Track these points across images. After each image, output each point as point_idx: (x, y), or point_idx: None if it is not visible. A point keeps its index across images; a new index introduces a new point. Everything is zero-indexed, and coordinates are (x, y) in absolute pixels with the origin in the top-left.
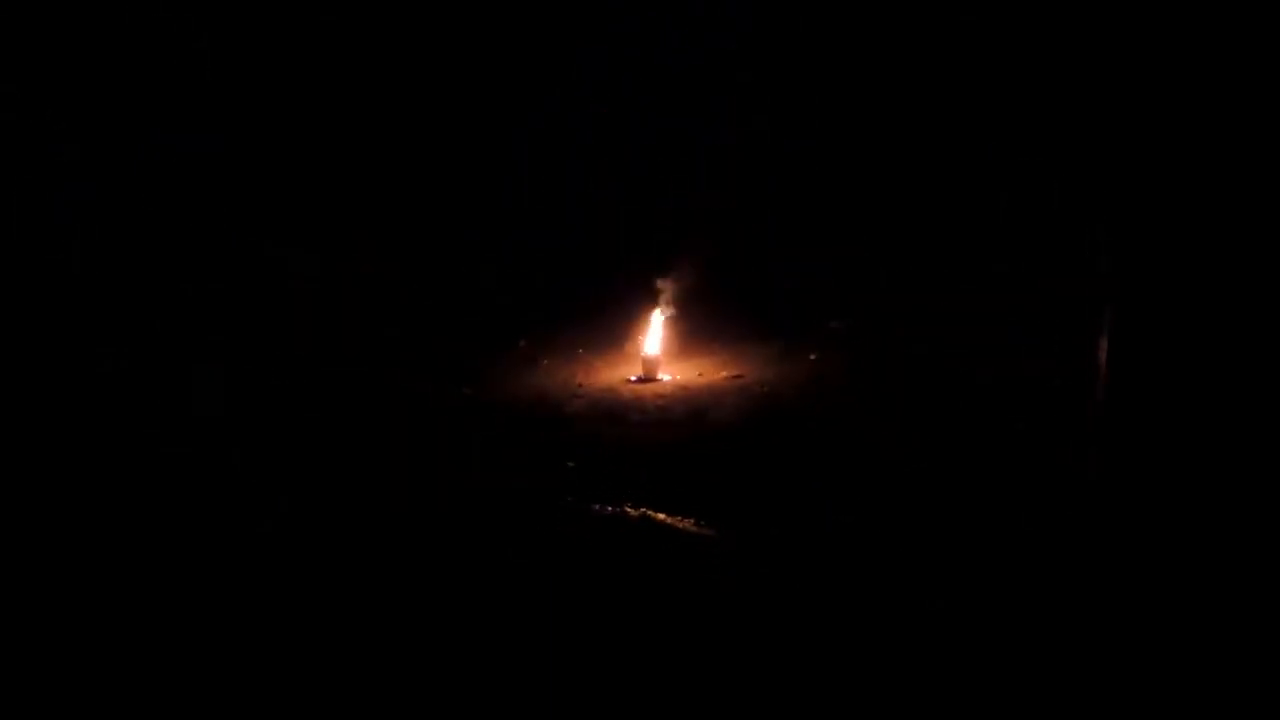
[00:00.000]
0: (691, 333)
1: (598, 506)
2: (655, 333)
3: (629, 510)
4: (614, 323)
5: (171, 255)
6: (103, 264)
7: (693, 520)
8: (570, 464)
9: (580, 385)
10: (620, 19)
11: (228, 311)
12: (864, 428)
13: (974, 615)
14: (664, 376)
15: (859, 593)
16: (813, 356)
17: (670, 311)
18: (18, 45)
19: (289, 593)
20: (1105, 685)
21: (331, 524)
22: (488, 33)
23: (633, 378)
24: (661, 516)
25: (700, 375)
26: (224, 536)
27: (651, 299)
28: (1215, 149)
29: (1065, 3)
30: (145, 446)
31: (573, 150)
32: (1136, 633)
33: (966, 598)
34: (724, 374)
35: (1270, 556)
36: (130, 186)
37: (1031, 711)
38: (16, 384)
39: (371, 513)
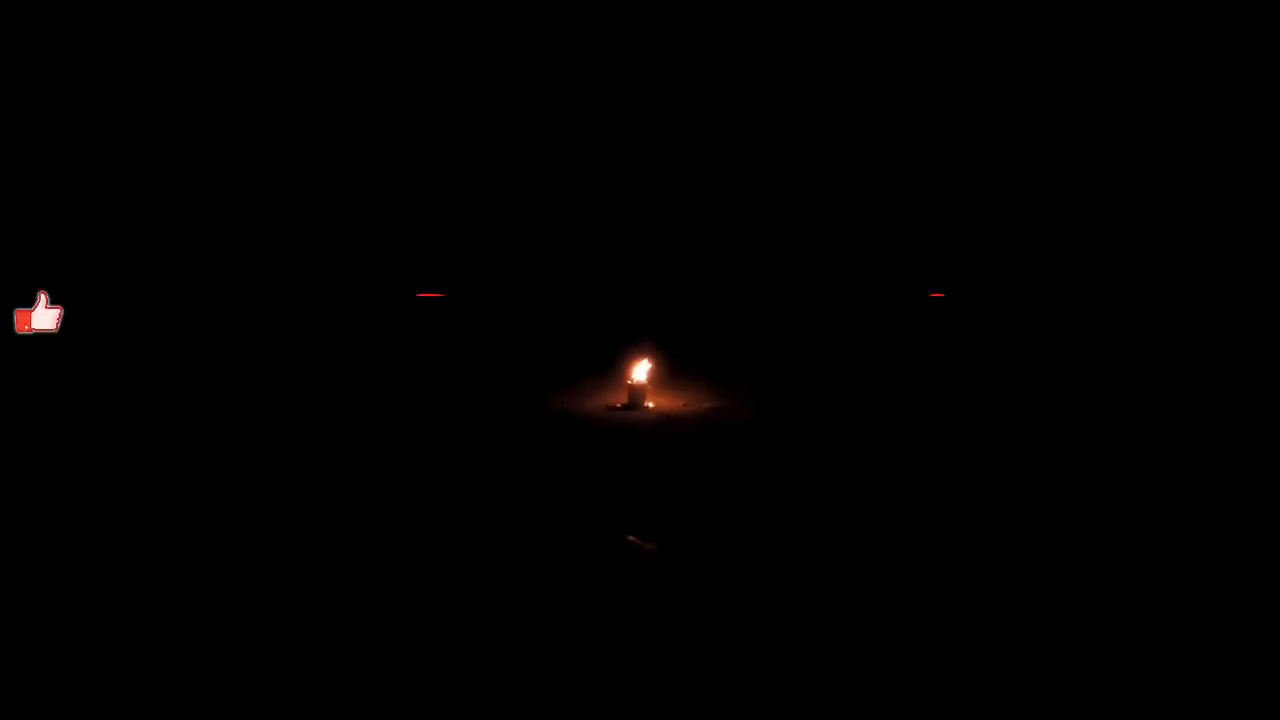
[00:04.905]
0: (681, 363)
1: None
2: (644, 363)
3: (591, 529)
4: (609, 350)
5: (171, 255)
6: (103, 264)
7: (655, 544)
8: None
9: (566, 410)
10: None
11: (227, 311)
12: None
13: (973, 615)
14: (649, 404)
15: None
16: (793, 387)
17: (659, 352)
18: (18, 45)
19: (289, 593)
20: (1105, 685)
21: (331, 524)
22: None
23: (618, 405)
24: (633, 539)
25: (685, 405)
26: (224, 537)
27: (645, 331)
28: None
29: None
30: (145, 446)
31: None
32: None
33: (966, 598)
34: (708, 404)
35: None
36: (130, 186)
37: (1031, 711)
38: (16, 384)
39: (372, 514)
